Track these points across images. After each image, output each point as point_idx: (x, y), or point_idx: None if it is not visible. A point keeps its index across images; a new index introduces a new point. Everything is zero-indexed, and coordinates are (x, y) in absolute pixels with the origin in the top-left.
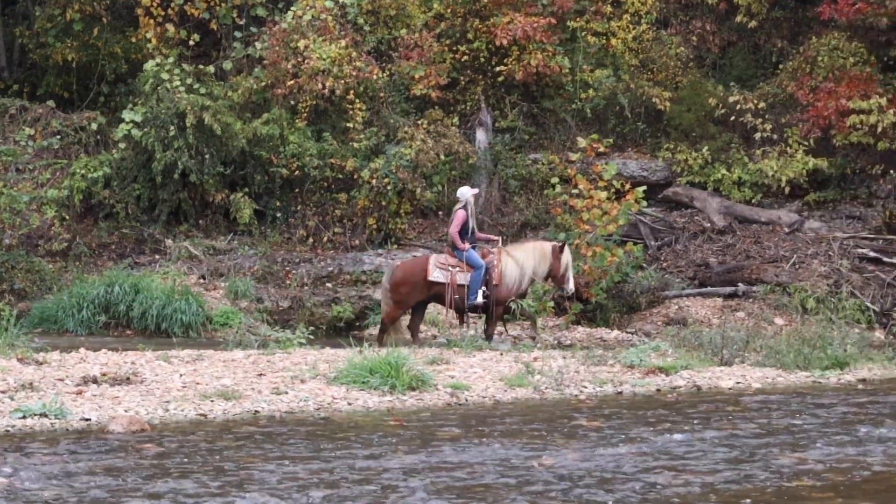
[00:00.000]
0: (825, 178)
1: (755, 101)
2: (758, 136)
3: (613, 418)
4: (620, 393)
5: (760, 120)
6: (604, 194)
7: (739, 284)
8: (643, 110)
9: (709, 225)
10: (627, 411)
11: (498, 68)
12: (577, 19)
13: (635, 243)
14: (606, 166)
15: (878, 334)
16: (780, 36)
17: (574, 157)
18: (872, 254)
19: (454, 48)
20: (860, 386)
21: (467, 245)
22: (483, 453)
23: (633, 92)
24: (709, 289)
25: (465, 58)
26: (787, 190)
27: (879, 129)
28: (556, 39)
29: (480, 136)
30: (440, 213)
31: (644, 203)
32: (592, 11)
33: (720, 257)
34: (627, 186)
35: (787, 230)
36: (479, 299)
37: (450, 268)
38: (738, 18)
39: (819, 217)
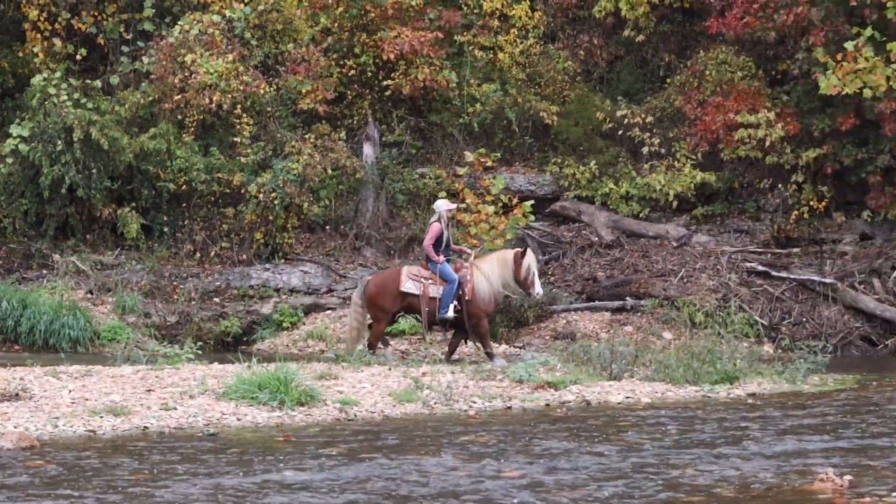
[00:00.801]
0: (713, 192)
1: (643, 116)
2: (645, 150)
3: (503, 433)
4: (510, 408)
5: (648, 134)
6: (491, 208)
7: (627, 298)
8: (530, 124)
9: (596, 239)
10: (517, 426)
11: (385, 83)
12: (465, 34)
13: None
14: (494, 180)
15: (767, 348)
16: (668, 50)
17: (461, 171)
18: (761, 268)
19: (341, 62)
20: (750, 400)
21: (442, 258)
22: (372, 469)
23: (520, 106)
24: (597, 303)
25: (353, 72)
26: (674, 204)
27: (767, 143)
28: (444, 54)
29: (367, 150)
30: (327, 227)
31: (531, 217)
32: (480, 26)
33: (608, 271)
34: (515, 201)
35: (675, 244)
36: (450, 313)
37: (423, 280)
38: (626, 33)
39: (707, 231)
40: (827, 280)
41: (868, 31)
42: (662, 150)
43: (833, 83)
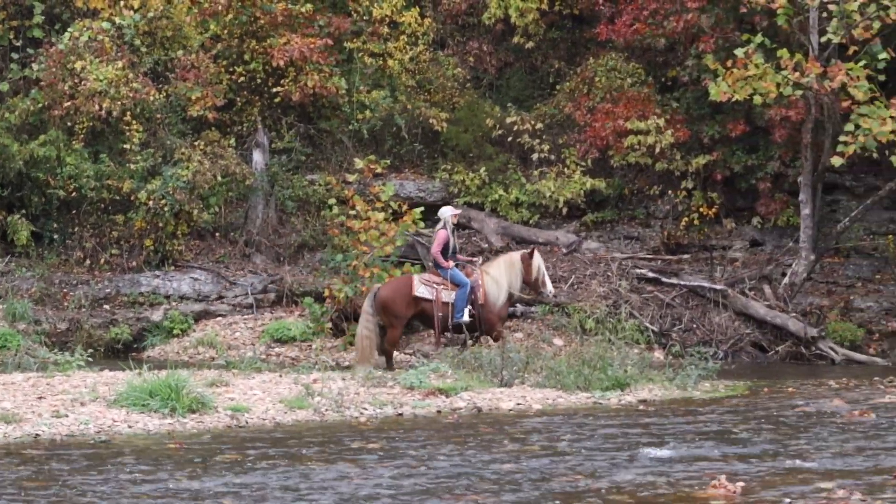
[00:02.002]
0: (603, 199)
1: (532, 122)
2: (535, 156)
3: (394, 440)
4: (401, 415)
5: (538, 140)
6: (381, 215)
7: (518, 305)
8: (420, 131)
9: (486, 246)
10: (408, 433)
11: (275, 89)
12: (354, 40)
13: (413, 264)
14: (383, 187)
15: (658, 355)
16: (558, 57)
17: (351, 178)
18: (651, 274)
19: (231, 69)
20: (641, 407)
21: (451, 263)
22: (265, 477)
23: (409, 113)
24: None
25: (242, 79)
26: (564, 210)
27: (657, 150)
28: (333, 60)
29: (257, 157)
30: (217, 234)
31: (421, 224)
32: (369, 32)
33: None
34: (405, 207)
35: (565, 251)
36: (466, 317)
37: (435, 285)
38: (516, 39)
39: (597, 237)
40: (717, 286)
41: (758, 38)
42: (552, 157)
43: (723, 90)
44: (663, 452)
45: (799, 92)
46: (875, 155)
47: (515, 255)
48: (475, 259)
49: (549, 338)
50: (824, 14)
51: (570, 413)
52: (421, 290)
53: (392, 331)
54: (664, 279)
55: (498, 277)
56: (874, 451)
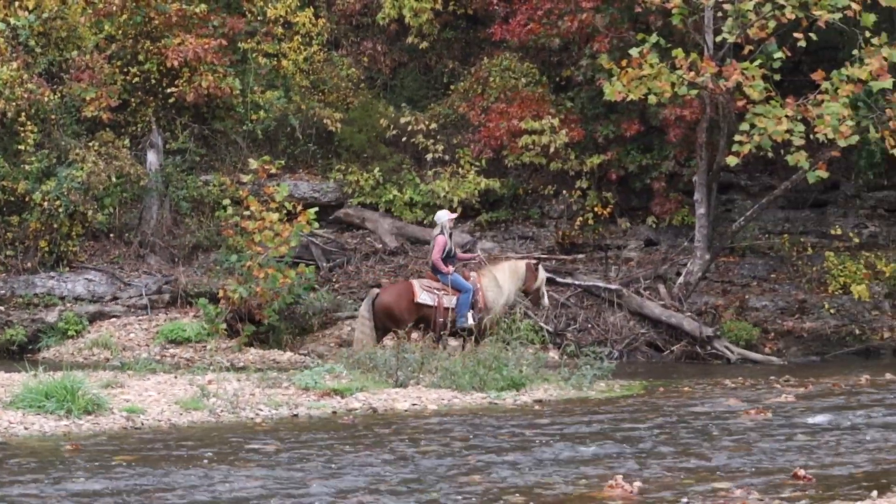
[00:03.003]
0: (497, 199)
1: (426, 122)
2: (429, 156)
3: (290, 441)
4: (296, 416)
5: (432, 141)
6: (275, 216)
7: None
8: (314, 131)
9: (381, 246)
10: (304, 434)
11: (169, 90)
12: (248, 41)
13: (307, 265)
14: (278, 188)
15: (553, 354)
16: (452, 57)
17: (245, 178)
18: (546, 274)
19: (125, 70)
20: (537, 407)
21: (451, 269)
22: (160, 478)
23: (304, 113)
24: None
25: (137, 79)
26: (458, 210)
27: (551, 150)
28: (227, 61)
29: (152, 157)
30: (111, 235)
31: (316, 224)
32: (263, 33)
33: (392, 278)
34: (299, 208)
35: (459, 251)
36: (470, 321)
37: (436, 291)
38: (410, 39)
39: (492, 237)
40: (612, 286)
41: (653, 38)
42: (446, 157)
43: (617, 89)
44: (559, 452)
45: (694, 91)
46: (770, 154)
47: (520, 263)
48: (476, 255)
49: (444, 338)
50: (719, 13)
51: (466, 413)
52: (423, 297)
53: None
54: (559, 279)
55: (501, 281)
56: (771, 450)
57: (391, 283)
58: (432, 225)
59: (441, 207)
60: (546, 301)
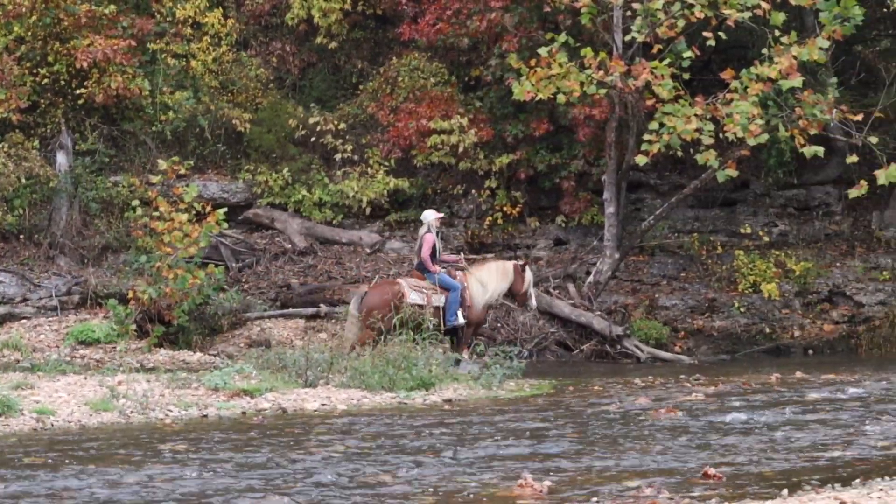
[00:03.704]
0: (406, 199)
1: (335, 122)
2: (338, 156)
3: (200, 442)
4: (206, 416)
5: (341, 141)
6: (185, 216)
7: (321, 305)
8: (223, 132)
9: (290, 246)
10: (213, 435)
11: (78, 91)
12: (157, 42)
13: (216, 265)
14: (187, 188)
15: (463, 354)
16: (361, 57)
17: (155, 179)
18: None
19: (35, 71)
20: (446, 406)
21: (439, 268)
22: (68, 479)
23: (213, 114)
24: (291, 310)
25: (46, 80)
26: (368, 210)
27: (460, 149)
28: (137, 62)
29: (61, 158)
30: (21, 236)
31: (225, 225)
32: (172, 33)
33: (302, 278)
34: (208, 208)
35: (368, 250)
36: (461, 320)
37: (425, 290)
38: (319, 40)
39: (401, 237)
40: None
41: (562, 37)
42: (355, 157)
43: (526, 89)
44: (469, 452)
45: (603, 91)
46: (680, 153)
47: (509, 265)
48: (461, 259)
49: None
50: (628, 13)
51: (376, 413)
52: (413, 297)
53: (369, 332)
54: None
55: (487, 281)
56: (681, 448)
57: (378, 282)
58: (341, 225)
59: (349, 207)
60: (534, 302)
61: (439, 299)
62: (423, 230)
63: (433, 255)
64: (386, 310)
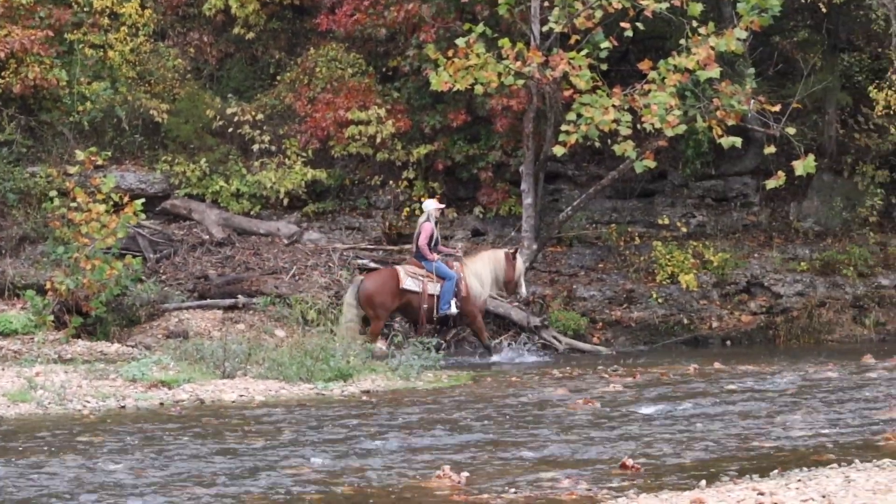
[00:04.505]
0: (324, 190)
1: (253, 113)
2: (256, 147)
3: (117, 433)
4: (124, 407)
5: (258, 131)
6: (102, 207)
7: (239, 296)
8: (141, 122)
9: (208, 237)
10: (131, 425)
11: None
12: (75, 32)
13: (134, 256)
14: (104, 179)
15: (381, 345)
16: (278, 47)
17: (72, 170)
18: (373, 264)
19: None
20: (364, 398)
21: (436, 256)
22: None
23: (130, 104)
24: (209, 301)
25: None
26: (286, 201)
27: (378, 140)
28: (54, 52)
29: None
30: None
31: (143, 216)
32: (90, 24)
33: (220, 269)
34: (126, 199)
35: (286, 241)
36: (453, 309)
37: (420, 277)
38: (236, 30)
39: (318, 228)
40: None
41: (479, 28)
42: (273, 148)
43: (444, 79)
44: (387, 443)
45: (521, 81)
46: (597, 144)
47: (500, 253)
48: (457, 251)
49: (271, 329)
50: (546, 3)
51: (293, 404)
52: (408, 283)
53: (376, 322)
54: None
55: (481, 272)
56: (599, 439)
57: (376, 269)
58: (259, 216)
59: (267, 198)
60: (524, 291)
61: (434, 287)
62: (422, 218)
63: (434, 244)
64: (385, 296)
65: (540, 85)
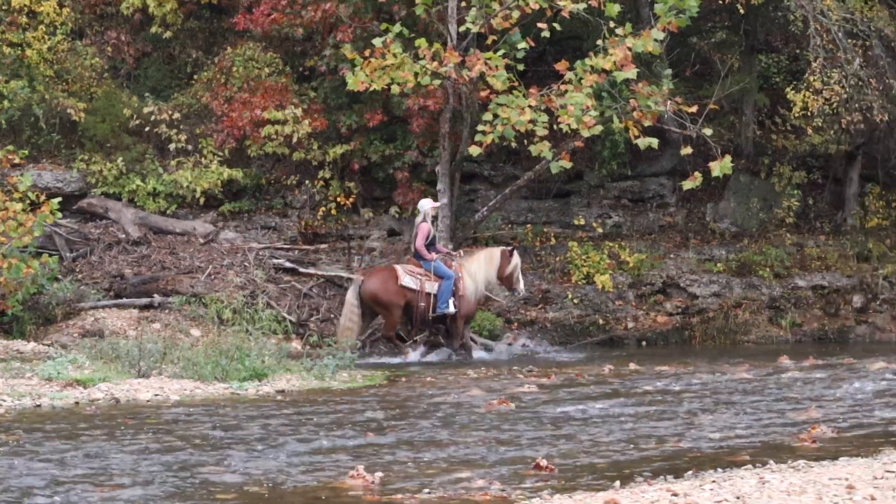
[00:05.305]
0: (240, 189)
1: (170, 112)
2: (173, 146)
3: (32, 432)
4: (39, 406)
5: (175, 131)
6: (19, 206)
7: (155, 296)
8: (58, 121)
9: (124, 236)
10: (45, 424)
11: None
12: None
13: (51, 255)
14: (21, 178)
15: (296, 345)
16: (196, 46)
17: None
18: (288, 264)
19: None
20: (279, 397)
21: (434, 255)
22: None
23: (48, 103)
24: (125, 300)
25: None
26: (202, 200)
27: (294, 140)
28: None
29: None
30: None
31: (59, 214)
32: (8, 22)
33: (136, 268)
34: (42, 198)
35: (202, 241)
36: (451, 308)
37: (419, 276)
38: (154, 29)
39: (234, 227)
40: (354, 276)
41: (396, 28)
42: (189, 147)
43: (361, 79)
44: (301, 443)
45: (437, 81)
46: (514, 144)
47: (496, 251)
48: (452, 252)
49: (187, 328)
50: (463, 3)
51: (208, 404)
52: (407, 281)
53: (389, 318)
54: (301, 269)
55: (475, 272)
56: (513, 440)
57: (374, 268)
58: (175, 215)
59: (183, 197)
60: (521, 287)
61: (432, 286)
62: (418, 219)
63: (431, 243)
64: (390, 294)
65: (456, 85)
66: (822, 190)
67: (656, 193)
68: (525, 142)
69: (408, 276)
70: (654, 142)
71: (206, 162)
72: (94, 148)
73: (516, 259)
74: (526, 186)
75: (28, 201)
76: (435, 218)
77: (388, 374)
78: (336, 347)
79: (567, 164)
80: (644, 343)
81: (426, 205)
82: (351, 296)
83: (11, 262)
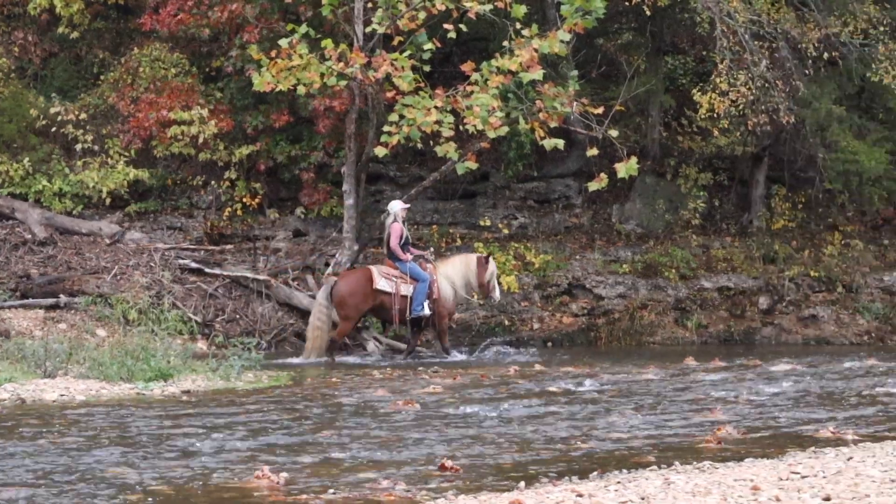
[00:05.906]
0: (146, 189)
1: (77, 112)
2: (79, 147)
3: None
4: None
5: (82, 131)
6: None
7: (61, 296)
8: None
9: (30, 236)
10: None
11: None
12: None
13: None
14: None
15: (201, 345)
16: (103, 47)
17: None
18: (194, 265)
19: None
20: (184, 397)
21: (409, 257)
22: None
23: None
24: (30, 300)
25: None
26: (108, 201)
27: (201, 140)
28: None
29: None
30: None
31: None
32: None
33: (42, 269)
34: None
35: (108, 241)
36: (426, 311)
37: (394, 278)
38: (61, 29)
39: (140, 228)
40: (260, 277)
41: (303, 29)
42: (96, 147)
43: (267, 80)
44: (207, 443)
45: (343, 82)
46: (419, 145)
47: (472, 257)
48: (426, 253)
49: (93, 329)
50: (369, 4)
51: (114, 404)
52: (382, 284)
53: (345, 324)
54: (207, 269)
55: (452, 275)
56: (418, 441)
57: (349, 269)
58: (81, 216)
59: (90, 198)
60: (498, 294)
61: (408, 288)
62: (389, 220)
63: (404, 244)
64: (358, 297)
65: (362, 86)
66: (728, 192)
67: (562, 194)
68: (431, 143)
69: (383, 279)
70: (560, 143)
71: (113, 162)
72: (1, 148)
73: (493, 266)
74: (432, 187)
75: None
76: (404, 218)
77: (293, 375)
78: (307, 348)
79: (473, 165)
80: (550, 344)
81: (396, 206)
82: (321, 297)
83: None
